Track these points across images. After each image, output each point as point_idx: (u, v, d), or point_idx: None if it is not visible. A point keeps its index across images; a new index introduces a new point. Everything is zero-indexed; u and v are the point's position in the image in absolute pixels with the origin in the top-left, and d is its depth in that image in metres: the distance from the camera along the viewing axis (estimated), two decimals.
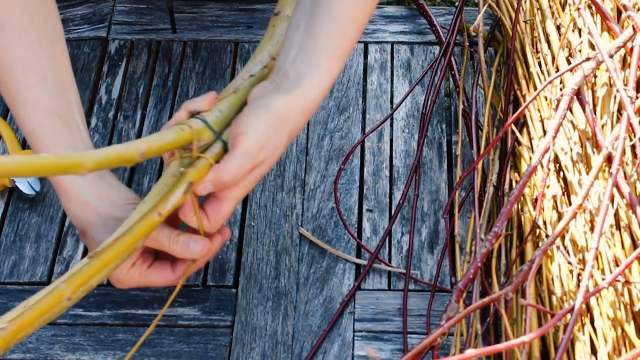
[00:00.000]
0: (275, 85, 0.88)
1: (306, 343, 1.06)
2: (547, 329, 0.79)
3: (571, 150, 1.08)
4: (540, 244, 1.04)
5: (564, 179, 1.08)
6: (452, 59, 1.28)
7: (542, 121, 1.14)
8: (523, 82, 1.19)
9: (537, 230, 1.05)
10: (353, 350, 1.05)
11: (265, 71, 0.96)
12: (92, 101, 1.30)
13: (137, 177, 1.21)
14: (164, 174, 0.88)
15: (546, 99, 1.14)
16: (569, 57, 1.18)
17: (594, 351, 0.94)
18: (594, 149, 1.06)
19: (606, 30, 1.16)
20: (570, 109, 1.10)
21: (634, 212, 0.94)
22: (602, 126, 1.06)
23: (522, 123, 1.17)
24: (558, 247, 1.00)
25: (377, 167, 1.22)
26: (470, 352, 0.69)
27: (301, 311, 1.09)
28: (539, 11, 1.25)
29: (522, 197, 1.09)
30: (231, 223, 1.16)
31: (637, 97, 1.03)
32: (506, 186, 1.12)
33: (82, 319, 1.08)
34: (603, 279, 0.92)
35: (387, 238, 1.15)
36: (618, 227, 1.01)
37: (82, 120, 0.91)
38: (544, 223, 1.05)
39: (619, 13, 1.18)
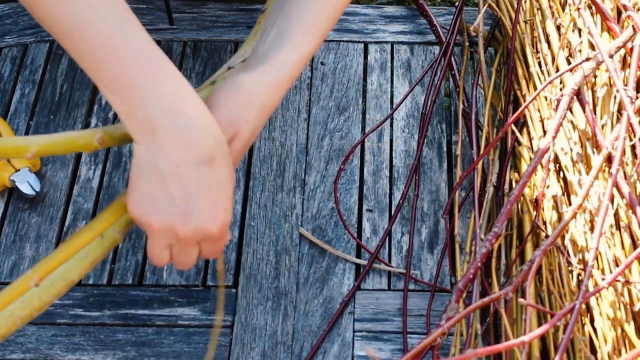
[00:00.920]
0: (245, 66, 0.86)
1: (306, 343, 1.06)
2: (547, 329, 0.79)
3: (571, 150, 1.08)
4: (540, 244, 1.04)
5: (564, 179, 1.08)
6: (452, 59, 1.28)
7: (542, 121, 1.13)
8: (523, 82, 1.19)
9: (537, 230, 1.05)
10: (353, 350, 1.05)
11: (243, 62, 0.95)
12: (92, 101, 1.30)
13: None
14: None
15: (546, 99, 1.14)
16: (569, 57, 1.18)
17: (593, 351, 0.94)
18: (594, 149, 1.06)
19: (606, 30, 1.16)
20: (570, 109, 1.10)
21: (634, 212, 0.94)
22: (602, 126, 1.06)
23: (522, 123, 1.17)
24: (558, 247, 1.00)
25: (377, 167, 1.22)
26: (469, 352, 0.69)
27: (301, 311, 1.09)
28: (539, 11, 1.25)
29: (522, 197, 1.08)
30: (231, 223, 1.16)
31: (637, 97, 1.03)
32: (506, 186, 1.12)
33: (82, 319, 1.08)
34: (603, 279, 0.92)
35: (387, 238, 1.15)
36: (618, 227, 1.01)
37: None
38: (544, 223, 1.05)
39: (619, 13, 1.18)
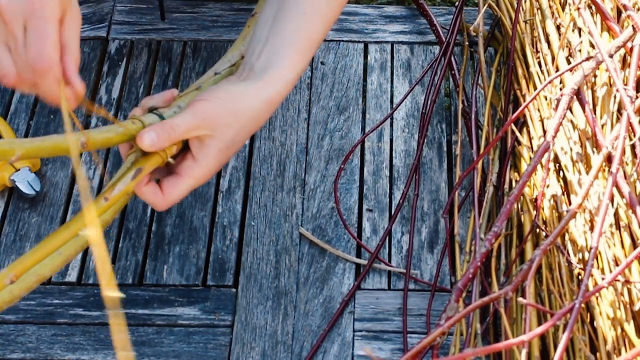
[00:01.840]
0: (242, 78, 0.88)
1: (306, 343, 1.06)
2: (547, 328, 0.79)
3: (571, 150, 1.08)
4: (540, 244, 1.04)
5: (564, 178, 1.08)
6: (452, 58, 1.28)
7: (542, 121, 1.13)
8: (523, 82, 1.19)
9: (537, 230, 1.05)
10: (353, 349, 1.06)
11: (233, 69, 0.95)
12: (92, 101, 1.30)
13: None
14: (122, 167, 0.86)
15: (546, 99, 1.14)
16: (569, 57, 1.18)
17: (594, 351, 0.94)
18: (594, 149, 1.06)
19: (606, 30, 1.16)
20: (570, 108, 1.10)
21: (634, 212, 0.94)
22: (602, 126, 1.06)
23: (522, 123, 1.17)
24: (558, 247, 1.00)
25: (377, 167, 1.22)
26: (468, 351, 0.69)
27: (301, 311, 1.09)
28: (539, 11, 1.25)
29: (522, 197, 1.09)
30: (231, 223, 1.16)
31: (637, 97, 1.03)
32: (506, 186, 1.12)
33: (82, 319, 1.08)
34: (603, 279, 0.92)
35: (387, 238, 1.15)
36: (618, 227, 1.01)
37: None
38: (544, 223, 1.05)
39: (619, 13, 1.18)
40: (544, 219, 1.05)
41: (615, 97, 1.09)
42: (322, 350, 1.06)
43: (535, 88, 1.17)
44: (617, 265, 0.97)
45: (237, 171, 1.21)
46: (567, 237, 1.01)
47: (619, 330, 0.93)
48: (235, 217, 1.17)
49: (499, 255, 1.06)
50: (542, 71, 1.19)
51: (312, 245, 1.15)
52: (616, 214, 1.01)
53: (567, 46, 1.18)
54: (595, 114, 1.08)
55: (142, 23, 1.38)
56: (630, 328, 0.93)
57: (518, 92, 1.20)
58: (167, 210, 1.16)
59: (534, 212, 1.03)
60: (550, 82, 1.05)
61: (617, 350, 0.92)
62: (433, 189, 1.20)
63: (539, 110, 1.14)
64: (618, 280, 0.94)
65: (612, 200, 1.01)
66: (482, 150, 1.17)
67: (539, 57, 1.21)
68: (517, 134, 1.15)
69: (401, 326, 1.07)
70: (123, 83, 1.31)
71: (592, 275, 0.95)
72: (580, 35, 1.18)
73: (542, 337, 0.97)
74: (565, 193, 1.07)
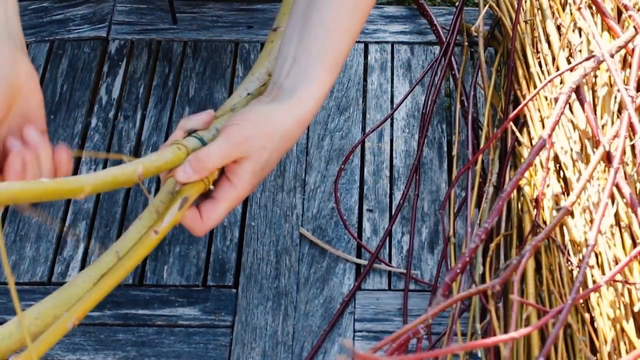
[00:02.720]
0: (270, 97, 0.89)
1: (306, 343, 1.06)
2: (540, 324, 0.78)
3: (571, 150, 1.08)
4: (540, 245, 1.04)
5: (564, 178, 1.08)
6: (452, 59, 1.28)
7: (542, 121, 1.13)
8: (523, 82, 1.19)
9: (537, 230, 1.05)
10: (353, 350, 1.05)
11: (262, 88, 0.97)
12: (93, 101, 1.30)
13: None
14: (160, 191, 0.87)
15: (546, 99, 1.14)
16: (569, 57, 1.18)
17: (594, 351, 0.94)
18: (594, 149, 1.06)
19: (607, 30, 1.16)
20: (570, 108, 1.10)
21: (634, 212, 0.94)
22: (603, 126, 1.06)
23: (522, 123, 1.17)
24: (558, 247, 1.00)
25: (377, 167, 1.22)
26: (454, 346, 0.68)
27: (301, 311, 1.09)
28: (539, 11, 1.25)
29: (522, 197, 1.08)
30: (231, 223, 1.16)
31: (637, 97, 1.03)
32: (506, 186, 1.12)
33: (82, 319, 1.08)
34: (603, 279, 0.92)
35: (387, 238, 1.15)
36: (618, 227, 1.01)
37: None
38: (544, 222, 1.05)
39: (619, 13, 1.18)
40: (544, 219, 1.05)
41: (615, 97, 1.09)
42: (323, 351, 1.06)
43: (535, 88, 1.17)
44: (617, 265, 0.96)
45: None
46: (567, 237, 1.01)
47: (619, 331, 0.93)
48: (235, 218, 1.17)
49: (499, 256, 1.06)
50: (542, 71, 1.18)
51: (312, 245, 1.15)
52: (616, 215, 1.01)
53: (567, 46, 1.18)
54: (595, 114, 1.08)
55: (142, 23, 1.38)
56: (630, 328, 0.93)
57: (518, 92, 1.19)
58: None
59: (534, 212, 1.03)
60: (550, 82, 1.05)
61: (617, 350, 0.92)
62: (433, 189, 1.20)
63: (539, 110, 1.14)
64: (618, 281, 0.94)
65: (612, 200, 1.01)
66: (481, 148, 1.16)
67: (539, 58, 1.21)
68: (517, 134, 1.14)
69: (401, 326, 1.07)
70: (123, 83, 1.31)
71: (592, 275, 0.95)
72: (580, 36, 1.18)
73: (542, 338, 0.97)
74: (565, 193, 1.07)
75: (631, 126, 0.96)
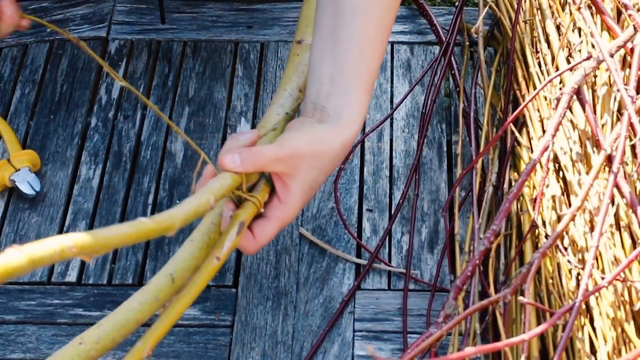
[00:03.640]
0: (316, 119, 0.90)
1: (306, 343, 1.06)
2: (547, 327, 0.79)
3: (571, 150, 1.08)
4: (539, 244, 1.04)
5: (564, 178, 1.08)
6: (452, 58, 1.28)
7: (541, 121, 1.13)
8: (523, 82, 1.19)
9: (536, 230, 1.05)
10: (353, 350, 1.06)
11: (297, 106, 0.98)
12: (92, 101, 1.30)
13: (137, 177, 1.21)
14: (209, 212, 0.88)
15: (546, 99, 1.14)
16: (569, 57, 1.18)
17: (593, 351, 0.94)
18: (594, 149, 1.06)
19: (606, 30, 1.16)
20: (570, 108, 1.10)
21: (634, 212, 0.94)
22: (602, 126, 1.06)
23: (521, 123, 1.17)
24: (557, 247, 1.00)
25: (377, 167, 1.22)
26: (469, 350, 0.69)
27: (301, 311, 1.09)
28: (539, 11, 1.25)
29: (521, 197, 1.09)
30: None
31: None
32: (505, 186, 1.12)
33: (82, 319, 1.08)
34: (603, 279, 0.92)
35: (387, 238, 1.15)
36: (618, 227, 1.01)
37: None
38: (543, 223, 1.05)
39: (619, 13, 1.18)
40: (544, 219, 1.05)
41: (615, 97, 1.09)
42: (322, 351, 1.06)
43: (535, 88, 1.17)
44: (617, 265, 0.96)
45: None
46: (567, 237, 1.01)
47: (619, 331, 0.93)
48: None
49: (498, 255, 1.06)
50: (542, 71, 1.19)
51: (312, 245, 1.15)
52: (616, 214, 1.01)
53: (567, 46, 1.18)
54: (595, 113, 1.08)
55: (142, 23, 1.38)
56: (630, 328, 0.93)
57: (518, 92, 1.20)
58: None
59: (533, 212, 1.03)
60: (550, 82, 1.05)
61: (617, 350, 0.92)
62: (433, 189, 1.20)
63: (538, 110, 1.14)
64: (618, 280, 0.94)
65: (612, 201, 1.01)
66: (481, 150, 1.17)
67: (538, 57, 1.21)
68: (517, 134, 1.15)
69: (401, 326, 1.07)
70: None
71: (592, 275, 0.95)
72: (580, 36, 1.18)
73: (542, 338, 0.97)
74: (565, 193, 1.07)
75: (631, 126, 0.96)
